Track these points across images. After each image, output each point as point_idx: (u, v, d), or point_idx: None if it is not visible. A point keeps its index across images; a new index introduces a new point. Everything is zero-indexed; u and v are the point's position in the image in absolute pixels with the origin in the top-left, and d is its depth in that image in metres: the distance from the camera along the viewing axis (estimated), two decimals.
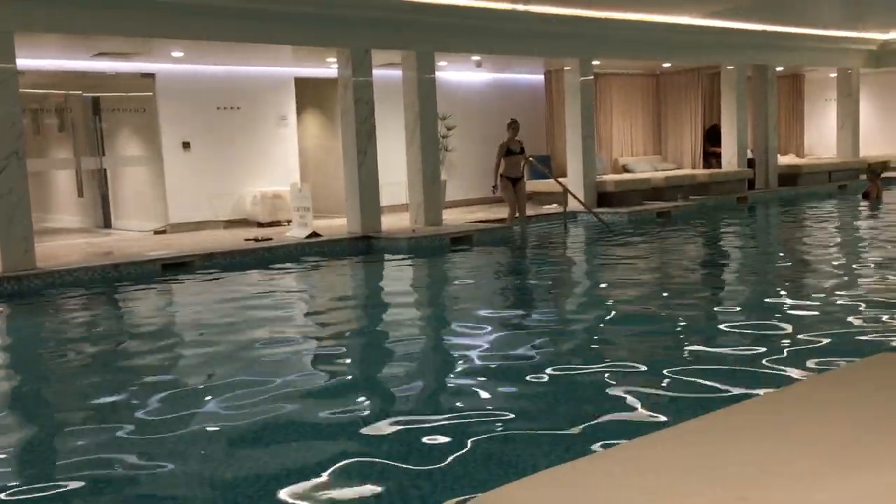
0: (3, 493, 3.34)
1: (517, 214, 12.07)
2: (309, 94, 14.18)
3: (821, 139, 20.98)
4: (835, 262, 8.62)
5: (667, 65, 16.61)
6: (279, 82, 13.42)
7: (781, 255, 9.76)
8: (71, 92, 13.45)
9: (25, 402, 4.85)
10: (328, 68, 12.90)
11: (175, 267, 9.30)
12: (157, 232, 12.54)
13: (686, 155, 17.29)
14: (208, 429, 4.00)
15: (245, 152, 13.18)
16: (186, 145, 12.64)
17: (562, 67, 14.54)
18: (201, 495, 3.24)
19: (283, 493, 3.19)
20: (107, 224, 14.09)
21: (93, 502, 3.23)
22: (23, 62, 9.31)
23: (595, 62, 14.39)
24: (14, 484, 3.47)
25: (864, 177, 16.43)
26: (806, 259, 9.17)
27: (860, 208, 14.23)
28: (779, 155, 17.96)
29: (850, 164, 18.46)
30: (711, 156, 17.03)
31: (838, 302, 6.43)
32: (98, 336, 6.54)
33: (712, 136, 16.99)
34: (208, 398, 4.54)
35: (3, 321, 7.38)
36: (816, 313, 6.12)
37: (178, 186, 12.60)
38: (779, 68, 17.54)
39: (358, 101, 11.13)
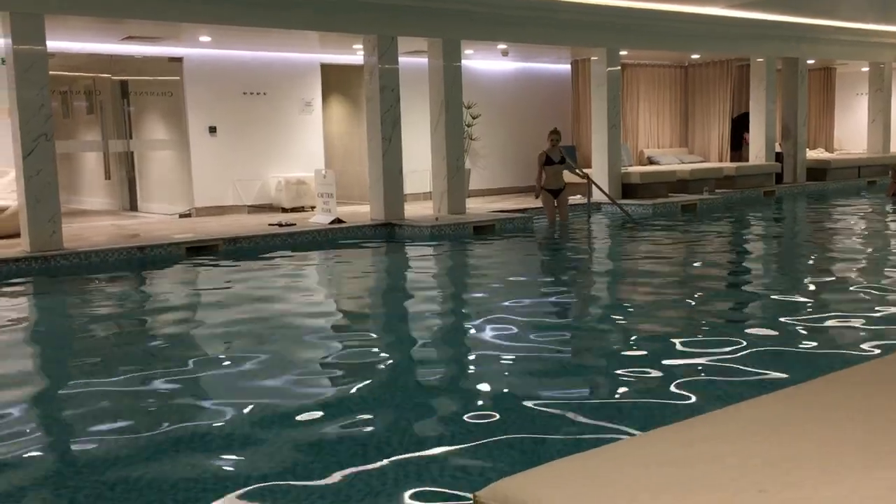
0: (31, 460, 3.40)
1: (557, 219, 11.47)
2: (334, 80, 14.20)
3: (851, 134, 20.69)
4: (855, 259, 8.52)
5: (695, 56, 16.44)
6: (305, 68, 13.46)
7: (804, 250, 9.66)
8: (100, 75, 13.57)
9: (50, 379, 4.93)
10: (354, 55, 12.91)
11: (199, 250, 9.38)
12: (182, 215, 12.64)
13: (713, 148, 17.13)
14: (225, 407, 4.04)
15: (270, 138, 13.24)
16: (213, 130, 12.72)
17: (589, 57, 14.44)
18: (216, 474, 3.27)
19: (297, 475, 3.22)
20: (133, 207, 14.23)
21: (109, 475, 3.28)
22: (53, 45, 9.40)
23: (623, 52, 14.27)
24: (37, 453, 3.53)
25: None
26: (828, 255, 9.07)
27: (886, 206, 14.02)
28: (807, 149, 17.74)
29: (880, 160, 18.20)
30: (743, 144, 16.80)
31: (859, 298, 6.35)
32: (122, 316, 6.62)
33: (744, 125, 16.76)
34: (227, 377, 4.58)
35: (31, 300, 7.49)
36: (836, 309, 6.05)
37: (204, 171, 12.69)
38: (810, 61, 17.31)
39: (383, 89, 11.13)
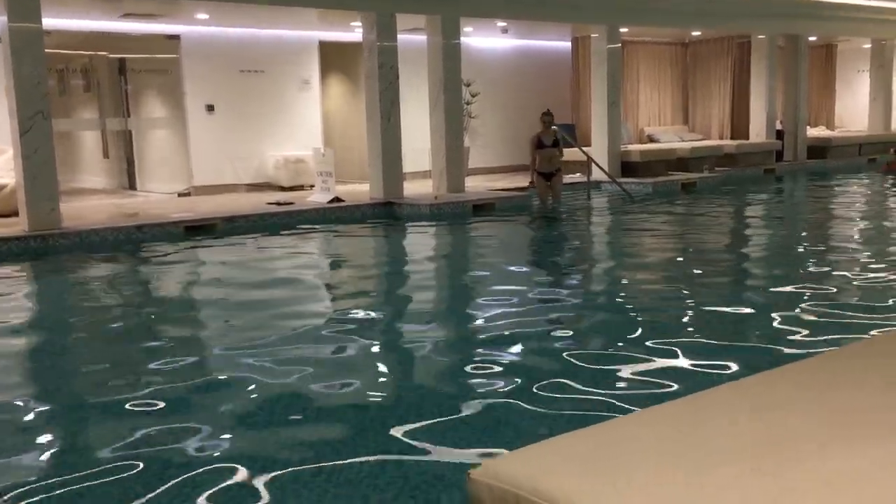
0: (30, 444, 3.42)
1: (549, 201, 11.23)
2: (333, 58, 14.12)
3: (852, 111, 20.59)
4: (857, 237, 8.52)
5: (696, 33, 16.33)
6: (303, 46, 13.37)
7: (805, 228, 9.65)
8: (97, 53, 13.49)
9: (50, 360, 4.94)
10: (353, 32, 12.83)
11: (198, 229, 9.37)
12: (181, 194, 12.61)
13: (714, 125, 17.06)
14: (222, 387, 4.05)
15: (268, 116, 13.18)
16: (210, 108, 12.67)
17: (589, 34, 14.34)
18: (211, 456, 3.29)
19: (296, 458, 3.23)
20: (132, 186, 14.19)
21: (113, 454, 3.29)
22: (49, 22, 9.32)
23: (623, 29, 14.17)
24: (39, 438, 3.55)
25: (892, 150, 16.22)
26: (829, 232, 9.06)
27: (888, 183, 14.00)
28: (808, 127, 17.67)
29: (881, 137, 18.13)
30: None
31: (859, 276, 6.35)
32: (122, 295, 6.63)
33: None
34: (224, 356, 4.59)
35: (30, 279, 7.49)
36: (837, 286, 6.05)
37: (202, 149, 12.65)
38: (811, 38, 17.19)
39: (382, 66, 11.06)
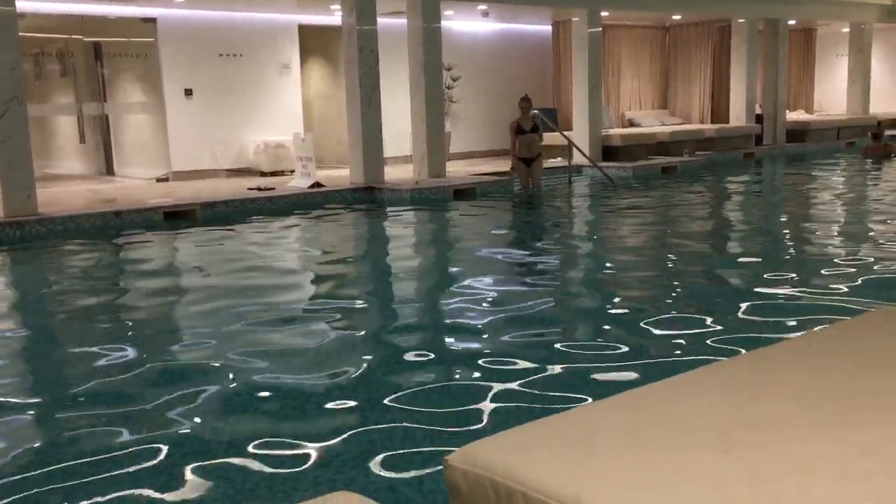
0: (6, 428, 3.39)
1: (530, 186, 11.22)
2: (313, 41, 14.01)
3: (830, 95, 20.73)
4: (835, 218, 8.58)
5: (677, 17, 16.35)
6: (282, 29, 13.25)
7: (783, 211, 9.71)
8: (72, 36, 13.30)
9: (28, 345, 4.89)
10: (332, 16, 12.73)
11: (177, 215, 9.29)
12: (159, 180, 12.50)
13: (694, 110, 17.12)
14: (202, 375, 4.03)
15: (248, 101, 13.07)
16: (189, 92, 12.54)
17: (570, 18, 14.32)
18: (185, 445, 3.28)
19: (280, 440, 3.23)
20: (109, 171, 14.04)
21: (91, 441, 3.27)
22: (23, 5, 9.18)
23: (604, 13, 14.16)
24: (18, 423, 3.52)
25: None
26: (807, 214, 9.13)
27: (866, 167, 14.11)
28: (787, 111, 17.77)
29: (859, 121, 18.27)
30: None
31: (837, 258, 6.40)
32: (100, 282, 6.57)
33: None
34: (203, 343, 4.57)
35: (6, 267, 7.41)
36: (816, 268, 6.10)
37: (181, 134, 12.52)
38: (791, 22, 17.25)
39: (362, 51, 10.98)
